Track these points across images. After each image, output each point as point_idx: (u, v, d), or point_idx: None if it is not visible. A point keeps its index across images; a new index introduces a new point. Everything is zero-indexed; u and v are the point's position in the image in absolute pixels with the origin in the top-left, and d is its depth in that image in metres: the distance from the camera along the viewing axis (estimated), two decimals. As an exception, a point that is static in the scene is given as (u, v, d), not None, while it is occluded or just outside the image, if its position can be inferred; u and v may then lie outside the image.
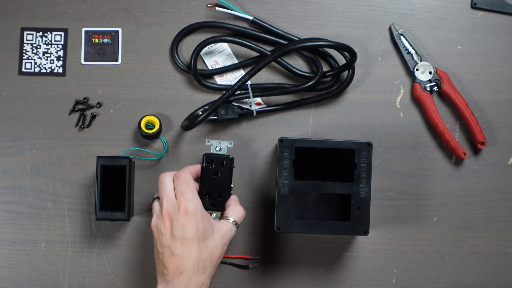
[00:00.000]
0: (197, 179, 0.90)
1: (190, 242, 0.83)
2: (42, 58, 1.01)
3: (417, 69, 0.99)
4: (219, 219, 0.90)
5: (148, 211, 0.99)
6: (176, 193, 0.86)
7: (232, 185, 0.95)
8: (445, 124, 0.99)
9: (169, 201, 0.86)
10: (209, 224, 0.86)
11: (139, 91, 1.00)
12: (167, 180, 0.87)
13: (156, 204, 0.89)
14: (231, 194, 0.93)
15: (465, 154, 0.98)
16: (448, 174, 0.99)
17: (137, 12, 1.01)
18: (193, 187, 0.87)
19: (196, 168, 0.90)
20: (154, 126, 0.97)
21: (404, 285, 0.99)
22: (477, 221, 0.99)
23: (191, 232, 0.84)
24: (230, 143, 0.95)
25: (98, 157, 0.94)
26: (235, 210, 0.90)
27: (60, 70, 1.01)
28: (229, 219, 0.89)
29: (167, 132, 1.00)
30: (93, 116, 1.00)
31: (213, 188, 0.93)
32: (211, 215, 0.91)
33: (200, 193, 0.91)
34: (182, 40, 1.01)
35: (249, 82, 0.97)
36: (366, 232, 0.90)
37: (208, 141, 0.95)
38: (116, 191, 0.94)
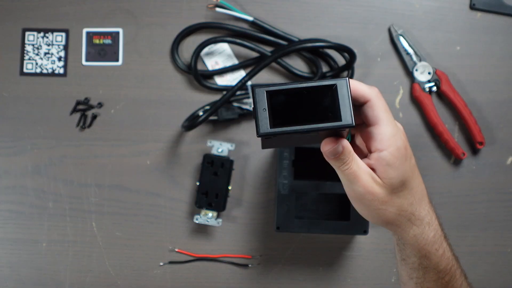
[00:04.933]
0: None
1: None
2: (43, 59, 1.01)
3: (416, 70, 1.00)
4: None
5: (150, 212, 0.99)
6: None
7: (230, 187, 0.96)
8: (444, 124, 0.99)
9: None
10: None
11: (140, 91, 1.01)
12: None
13: None
14: (228, 196, 0.94)
15: (464, 154, 0.99)
16: (447, 174, 1.00)
17: (138, 13, 1.01)
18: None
19: None
20: None
21: (403, 284, 0.99)
22: (476, 220, 0.99)
23: None
24: (232, 145, 0.95)
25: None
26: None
27: (61, 71, 1.01)
28: None
29: (167, 132, 1.00)
30: (94, 117, 1.00)
31: (211, 188, 0.94)
32: (206, 214, 0.92)
33: (198, 191, 0.92)
34: (183, 41, 1.01)
35: (249, 83, 0.97)
36: (365, 232, 0.91)
37: (210, 142, 0.96)
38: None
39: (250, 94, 0.59)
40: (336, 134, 0.63)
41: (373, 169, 0.63)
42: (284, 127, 0.60)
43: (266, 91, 0.61)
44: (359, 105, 0.64)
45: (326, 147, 0.63)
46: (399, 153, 0.62)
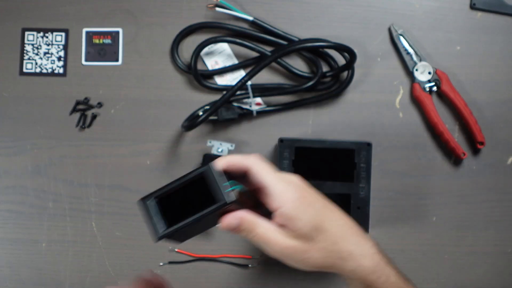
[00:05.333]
0: None
1: None
2: (43, 59, 1.01)
3: (416, 70, 1.00)
4: None
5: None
6: None
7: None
8: (445, 124, 0.99)
9: None
10: None
11: (140, 91, 1.01)
12: None
13: None
14: None
15: (464, 154, 0.98)
16: (447, 174, 1.00)
17: (138, 13, 1.01)
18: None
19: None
20: None
21: (403, 284, 0.99)
22: (476, 220, 0.99)
23: None
24: (232, 145, 0.95)
25: (210, 163, 0.65)
26: None
27: (61, 71, 1.01)
28: None
29: (167, 132, 1.00)
30: (94, 116, 1.00)
31: None
32: None
33: None
34: (183, 41, 1.01)
35: (249, 83, 0.97)
36: (366, 232, 0.90)
37: (210, 142, 0.96)
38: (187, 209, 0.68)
39: (142, 208, 0.63)
40: (227, 211, 0.65)
41: (283, 225, 0.64)
42: (176, 224, 0.64)
43: (155, 197, 0.66)
44: (243, 175, 0.66)
45: (222, 225, 0.65)
46: (297, 204, 0.63)
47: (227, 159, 0.65)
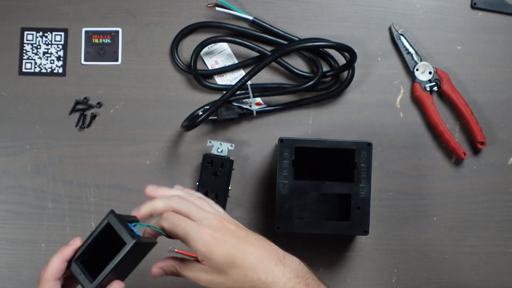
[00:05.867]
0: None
1: None
2: (42, 58, 1.01)
3: (417, 69, 0.99)
4: None
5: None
6: None
7: (230, 187, 0.95)
8: (445, 124, 0.99)
9: None
10: None
11: (139, 91, 1.00)
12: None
13: None
14: (228, 196, 0.94)
15: (465, 154, 0.98)
16: (448, 174, 1.00)
17: (137, 12, 1.01)
18: None
19: (65, 255, 0.74)
20: None
21: (404, 285, 0.99)
22: (477, 221, 0.99)
23: None
24: (231, 145, 0.95)
25: (111, 212, 0.74)
26: None
27: (60, 70, 1.01)
28: None
29: (167, 132, 1.00)
30: (93, 116, 1.00)
31: (211, 188, 0.94)
32: None
33: (198, 191, 0.91)
34: (182, 40, 1.01)
35: (249, 82, 0.97)
36: (366, 232, 0.90)
37: (210, 142, 0.95)
38: (109, 255, 0.74)
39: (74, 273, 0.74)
40: (142, 254, 0.76)
41: (202, 261, 0.74)
42: (100, 273, 0.72)
43: (75, 260, 0.74)
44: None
45: (153, 275, 0.77)
46: (208, 245, 0.72)
47: (140, 211, 0.76)
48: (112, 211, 0.74)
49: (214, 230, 0.73)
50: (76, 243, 0.75)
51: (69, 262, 0.74)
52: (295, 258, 0.77)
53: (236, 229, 0.75)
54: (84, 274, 0.73)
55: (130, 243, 0.71)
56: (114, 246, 0.72)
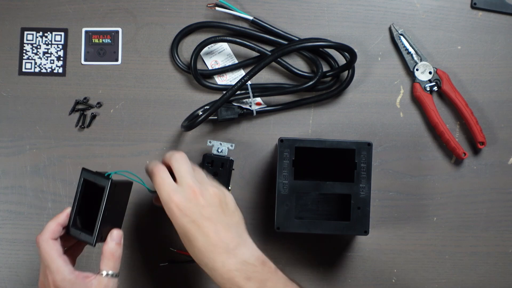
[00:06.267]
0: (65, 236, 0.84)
1: None
2: (42, 58, 1.01)
3: (417, 69, 0.99)
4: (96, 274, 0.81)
5: (149, 212, 0.99)
6: (43, 265, 0.81)
7: (230, 187, 0.95)
8: (445, 124, 0.99)
9: (43, 272, 0.82)
10: None
11: (139, 91, 1.00)
12: (37, 246, 0.82)
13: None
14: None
15: (465, 154, 0.98)
16: (448, 174, 1.00)
17: (137, 12, 1.01)
18: (56, 255, 0.80)
19: (59, 220, 0.82)
20: None
21: (404, 285, 0.99)
22: (477, 221, 0.99)
23: None
24: (232, 145, 0.95)
25: (83, 169, 0.83)
26: (107, 260, 0.81)
27: (60, 70, 1.01)
28: (103, 273, 0.81)
29: (167, 132, 1.00)
30: (93, 116, 1.00)
31: None
32: None
33: None
34: (182, 40, 1.01)
35: (249, 82, 0.97)
36: (366, 232, 0.90)
37: (210, 142, 0.95)
38: (97, 210, 0.82)
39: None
40: (125, 196, 0.88)
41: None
42: (94, 228, 0.82)
43: (72, 223, 0.83)
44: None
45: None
46: (171, 213, 0.80)
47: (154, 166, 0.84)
48: (83, 168, 0.83)
49: (183, 200, 0.80)
50: (67, 210, 0.82)
51: (67, 228, 0.82)
52: (253, 251, 0.82)
53: (205, 206, 0.80)
54: (83, 232, 0.82)
55: (107, 184, 0.81)
56: (98, 199, 0.81)
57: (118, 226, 0.85)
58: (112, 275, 0.81)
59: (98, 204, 0.81)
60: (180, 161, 0.83)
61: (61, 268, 0.79)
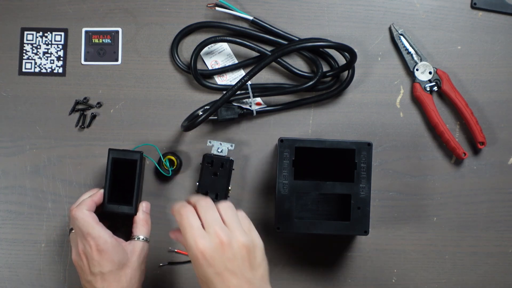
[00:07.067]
0: (99, 210, 0.92)
1: (108, 275, 0.86)
2: (42, 58, 1.01)
3: (417, 69, 0.99)
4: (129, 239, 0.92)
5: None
6: (82, 234, 0.88)
7: (230, 187, 0.95)
8: (445, 124, 0.99)
9: (81, 241, 0.88)
10: (123, 252, 0.88)
11: (139, 91, 1.00)
12: (75, 218, 0.89)
13: (73, 237, 0.90)
14: (228, 196, 0.94)
15: (465, 154, 0.98)
16: (448, 174, 1.00)
17: (137, 12, 1.01)
18: (94, 222, 0.88)
19: (95, 198, 0.92)
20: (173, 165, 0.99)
21: (404, 285, 0.99)
22: (477, 221, 0.99)
23: (107, 267, 0.86)
24: (231, 145, 0.95)
25: (110, 149, 0.93)
26: (141, 227, 0.93)
27: (60, 70, 1.01)
28: (139, 238, 0.92)
29: (167, 132, 1.00)
30: (93, 116, 1.00)
31: (211, 189, 0.94)
32: None
33: (198, 192, 0.92)
34: (182, 40, 1.01)
35: (249, 82, 0.97)
36: (366, 232, 0.90)
37: (210, 142, 0.95)
38: (125, 185, 0.94)
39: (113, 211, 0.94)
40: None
41: None
42: (132, 200, 0.94)
43: (108, 203, 0.93)
44: None
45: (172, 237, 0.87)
46: (194, 259, 0.77)
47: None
48: (110, 149, 0.93)
49: (208, 248, 0.76)
50: (100, 190, 0.92)
51: (103, 205, 0.92)
52: None
53: (231, 259, 0.76)
54: (121, 205, 0.93)
55: (138, 157, 0.92)
56: (127, 176, 0.92)
57: (141, 198, 0.96)
58: (145, 239, 0.92)
59: (126, 181, 0.92)
60: (206, 208, 0.79)
61: (102, 233, 0.87)
